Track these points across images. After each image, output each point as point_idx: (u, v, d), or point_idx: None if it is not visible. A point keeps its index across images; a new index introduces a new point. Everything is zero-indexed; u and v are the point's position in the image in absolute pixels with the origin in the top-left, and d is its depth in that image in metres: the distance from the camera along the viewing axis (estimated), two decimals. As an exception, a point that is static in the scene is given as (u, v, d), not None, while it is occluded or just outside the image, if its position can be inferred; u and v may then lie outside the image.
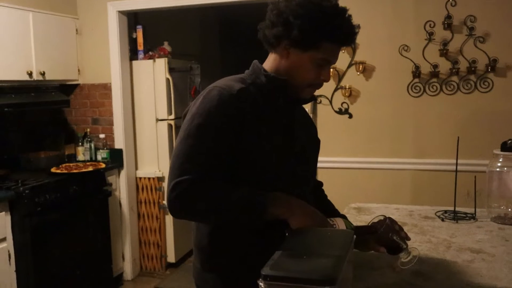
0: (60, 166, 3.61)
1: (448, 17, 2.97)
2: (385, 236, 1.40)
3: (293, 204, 1.28)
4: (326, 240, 1.10)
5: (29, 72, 3.36)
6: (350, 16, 1.34)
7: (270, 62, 1.41)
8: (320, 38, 1.30)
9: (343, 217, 1.50)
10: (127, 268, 4.05)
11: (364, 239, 1.39)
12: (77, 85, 4.04)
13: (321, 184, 1.71)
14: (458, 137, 2.03)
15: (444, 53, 3.02)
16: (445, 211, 2.05)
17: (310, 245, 1.08)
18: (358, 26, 1.35)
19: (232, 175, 1.30)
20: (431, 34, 3.03)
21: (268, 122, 1.35)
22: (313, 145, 1.58)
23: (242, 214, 1.26)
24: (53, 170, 3.49)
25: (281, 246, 1.05)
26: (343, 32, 1.32)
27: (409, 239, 1.43)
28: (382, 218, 1.46)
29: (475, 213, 1.99)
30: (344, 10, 1.33)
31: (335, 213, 1.58)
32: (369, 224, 1.49)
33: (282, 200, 1.28)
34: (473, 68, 2.98)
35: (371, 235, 1.41)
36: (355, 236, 1.13)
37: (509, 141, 1.95)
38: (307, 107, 3.28)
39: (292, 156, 1.39)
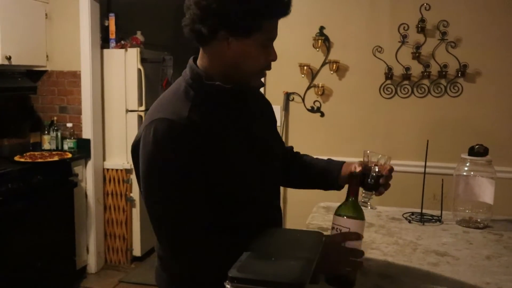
0: (24, 154, 3.51)
1: (422, 20, 3.01)
2: (371, 165, 1.40)
3: None
4: (295, 242, 1.09)
5: (-6, 56, 3.25)
6: None
7: (208, 59, 1.28)
8: (261, 18, 1.20)
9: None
10: (91, 261, 3.97)
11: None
12: (45, 71, 3.92)
13: (291, 148, 1.68)
14: (428, 140, 2.06)
15: (416, 56, 3.05)
16: (412, 213, 2.07)
17: (279, 246, 1.06)
18: None
19: (209, 196, 1.24)
20: (404, 36, 3.06)
21: (226, 129, 1.27)
22: (274, 132, 1.54)
23: None
24: (16, 158, 3.39)
25: (249, 247, 1.03)
26: (281, 3, 1.23)
27: (380, 191, 1.42)
28: (387, 158, 1.43)
29: (441, 216, 2.02)
30: None
31: (321, 162, 1.58)
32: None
33: None
34: (444, 73, 3.02)
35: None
36: (324, 238, 1.13)
37: (477, 146, 1.98)
38: (281, 104, 3.28)
39: (257, 157, 1.35)
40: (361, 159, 1.47)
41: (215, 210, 1.24)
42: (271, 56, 1.28)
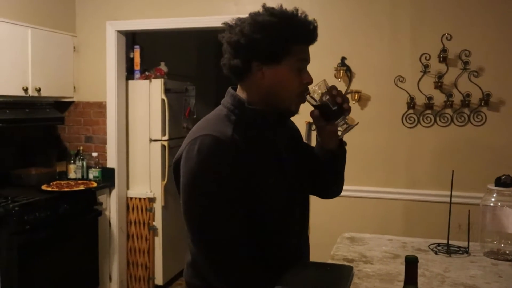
0: (51, 183, 3.57)
1: (444, 50, 3.02)
2: (321, 99, 1.34)
3: None
4: (325, 276, 1.09)
5: (24, 88, 3.35)
6: (303, 13, 1.32)
7: (247, 92, 1.36)
8: (287, 44, 1.28)
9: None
10: (114, 289, 3.99)
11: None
12: (72, 102, 4.03)
13: None
14: (453, 171, 2.04)
15: (439, 85, 3.06)
16: (438, 244, 2.04)
17: (309, 280, 1.07)
18: (315, 20, 1.34)
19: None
20: (426, 66, 3.08)
21: (263, 153, 1.33)
22: (303, 159, 1.54)
23: None
24: (43, 187, 3.46)
25: (280, 281, 1.04)
26: (306, 28, 1.31)
27: (346, 107, 1.35)
28: (324, 83, 1.37)
29: (468, 247, 1.99)
30: (296, 10, 1.31)
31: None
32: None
33: None
34: (467, 102, 3.02)
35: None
36: (354, 271, 1.13)
37: (503, 177, 1.97)
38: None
39: (288, 185, 1.38)
40: (312, 109, 1.40)
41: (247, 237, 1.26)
42: (306, 79, 1.32)
